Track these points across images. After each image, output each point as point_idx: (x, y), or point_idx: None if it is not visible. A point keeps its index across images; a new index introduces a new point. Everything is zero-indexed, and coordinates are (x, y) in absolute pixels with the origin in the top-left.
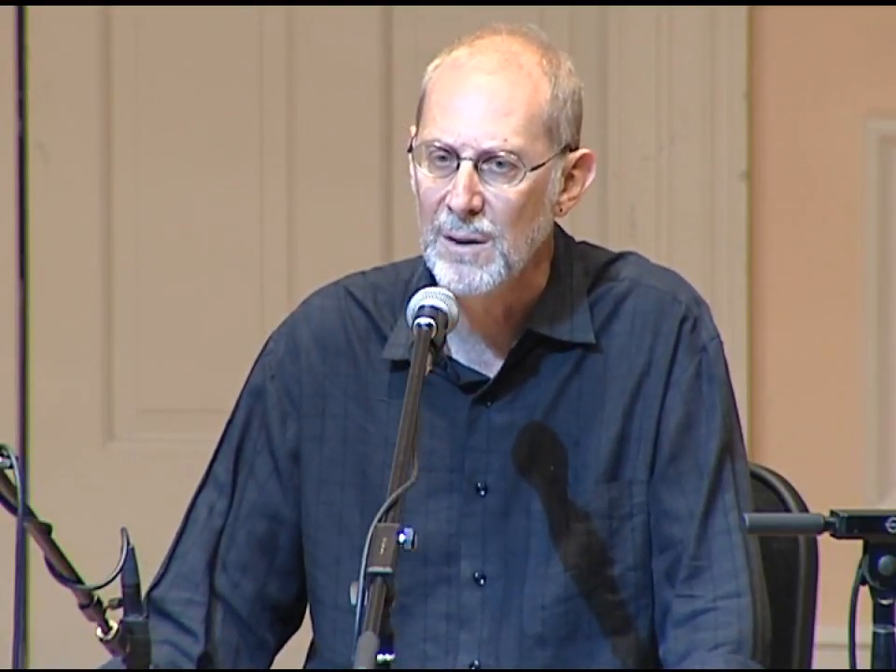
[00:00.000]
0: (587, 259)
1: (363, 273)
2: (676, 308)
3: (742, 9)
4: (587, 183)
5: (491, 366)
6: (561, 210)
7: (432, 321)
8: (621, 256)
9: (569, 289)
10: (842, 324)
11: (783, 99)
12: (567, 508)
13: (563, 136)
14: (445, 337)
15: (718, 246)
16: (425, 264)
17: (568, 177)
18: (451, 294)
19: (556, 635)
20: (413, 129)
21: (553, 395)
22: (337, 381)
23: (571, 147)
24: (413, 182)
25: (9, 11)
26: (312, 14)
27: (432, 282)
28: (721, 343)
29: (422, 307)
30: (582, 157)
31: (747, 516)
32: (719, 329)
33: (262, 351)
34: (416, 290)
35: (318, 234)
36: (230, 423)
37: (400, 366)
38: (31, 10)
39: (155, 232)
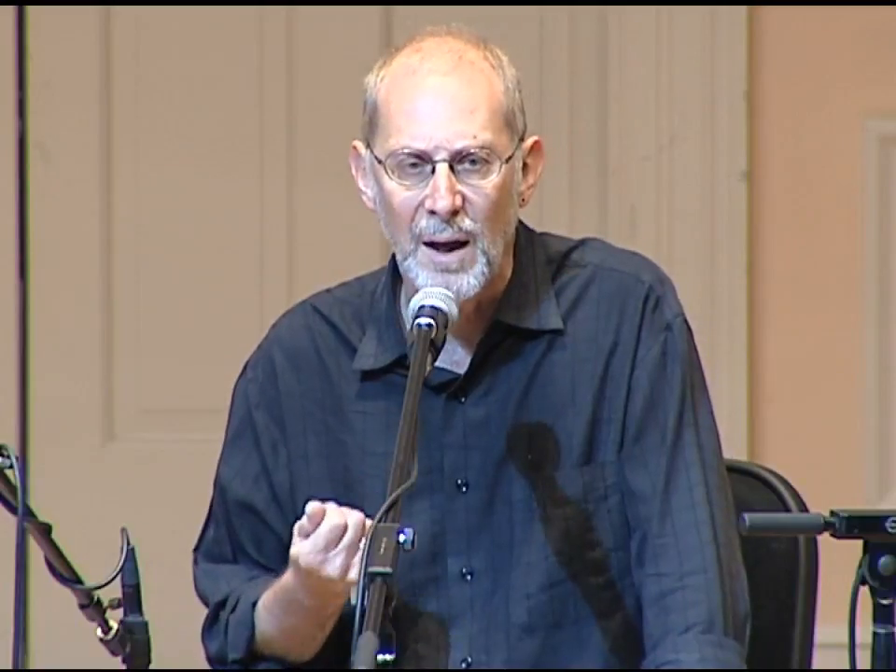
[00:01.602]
0: (548, 248)
1: (328, 290)
2: (639, 288)
3: (742, 9)
4: (540, 169)
5: (462, 365)
6: (524, 200)
7: (432, 321)
8: (582, 242)
9: (533, 278)
10: (842, 324)
11: (783, 99)
12: (545, 494)
13: (519, 126)
14: (445, 337)
15: (718, 246)
16: (389, 273)
17: (524, 166)
18: (451, 294)
19: (543, 622)
20: (361, 144)
21: (524, 384)
22: (313, 398)
23: (523, 137)
24: (367, 198)
25: (9, 11)
26: (312, 14)
27: (394, 290)
28: (685, 319)
29: (422, 307)
30: (534, 144)
31: (747, 516)
32: (719, 329)
33: (241, 377)
34: (381, 300)
35: (318, 234)
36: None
37: (371, 376)
38: (31, 10)
39: (155, 232)
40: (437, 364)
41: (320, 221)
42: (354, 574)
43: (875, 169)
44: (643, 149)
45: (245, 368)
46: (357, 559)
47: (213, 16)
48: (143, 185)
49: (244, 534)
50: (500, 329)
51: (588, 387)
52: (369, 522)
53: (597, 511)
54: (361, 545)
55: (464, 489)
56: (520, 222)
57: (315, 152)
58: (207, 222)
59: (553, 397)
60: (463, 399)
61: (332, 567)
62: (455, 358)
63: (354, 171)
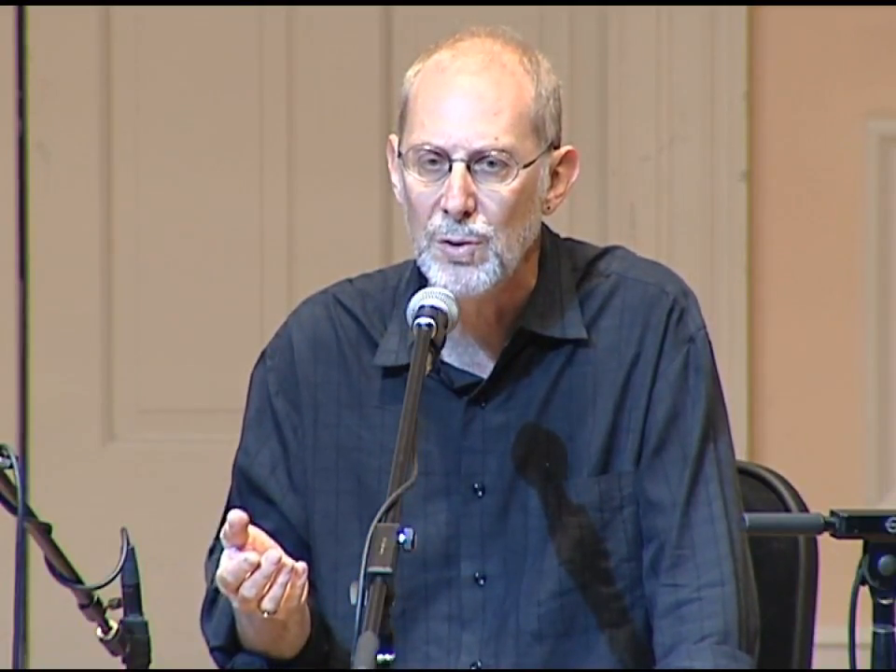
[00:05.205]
0: (574, 256)
1: (350, 280)
2: (664, 300)
3: (742, 9)
4: (572, 179)
5: (484, 367)
6: (549, 208)
7: (432, 321)
8: (607, 251)
9: (558, 287)
10: (842, 324)
11: (783, 99)
12: (561, 502)
13: (548, 133)
14: (445, 337)
15: (718, 246)
16: (412, 269)
17: (554, 175)
18: (451, 294)
19: (553, 630)
20: (395, 137)
21: (545, 392)
22: (329, 389)
23: (555, 145)
24: (397, 191)
25: (9, 11)
26: (312, 14)
27: (420, 286)
28: (707, 333)
29: (422, 307)
30: (566, 154)
31: (747, 516)
32: (719, 329)
33: (258, 365)
34: (405, 295)
35: (318, 234)
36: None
37: (392, 372)
38: (31, 10)
39: (155, 232)
40: (457, 365)
41: (320, 221)
42: (267, 605)
43: (875, 169)
44: (643, 149)
45: (262, 355)
46: (274, 593)
47: (213, 16)
48: (143, 184)
49: (257, 520)
50: (524, 336)
51: (608, 397)
52: (286, 559)
53: (612, 521)
54: (280, 580)
55: (480, 493)
56: (547, 229)
57: (315, 152)
58: (207, 222)
59: (573, 406)
60: (484, 405)
61: (247, 593)
62: (477, 360)
63: (390, 164)
